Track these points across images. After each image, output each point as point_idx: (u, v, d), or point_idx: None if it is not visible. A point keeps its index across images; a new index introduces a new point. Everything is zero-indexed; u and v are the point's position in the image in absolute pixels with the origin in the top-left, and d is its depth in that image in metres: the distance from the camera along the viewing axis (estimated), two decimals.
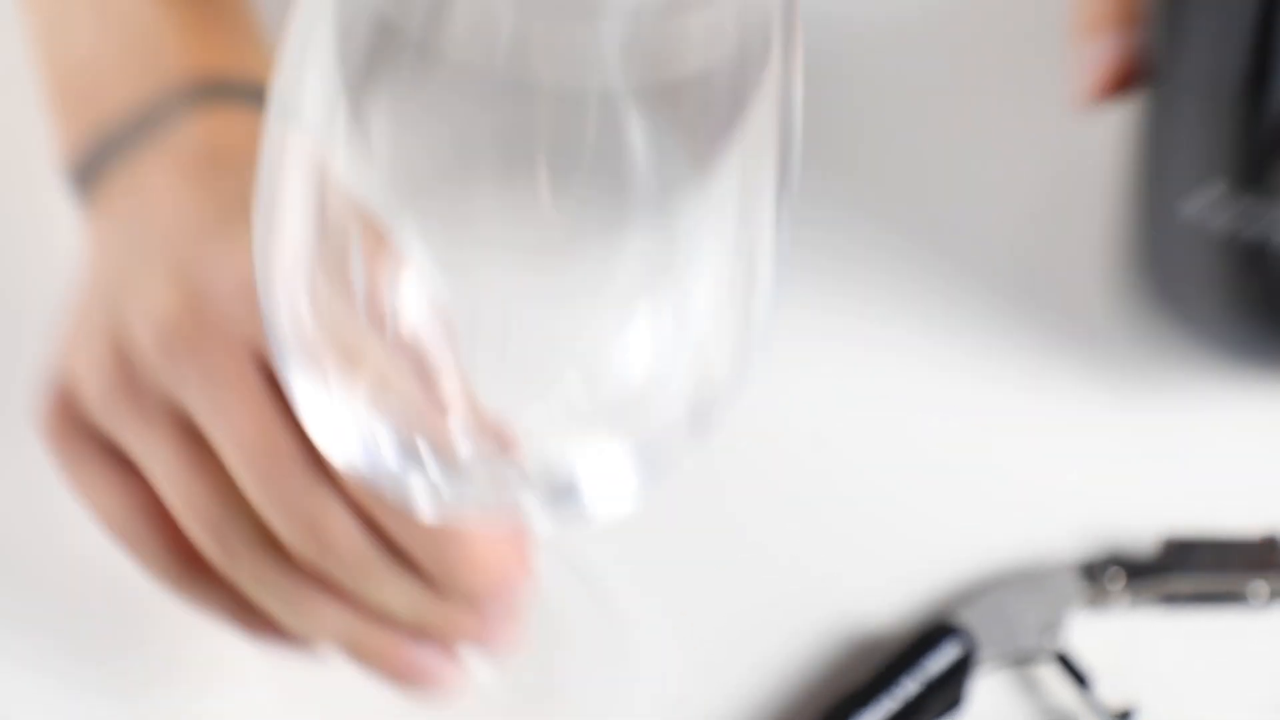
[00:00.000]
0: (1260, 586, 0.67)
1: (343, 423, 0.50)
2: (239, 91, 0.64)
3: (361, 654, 0.58)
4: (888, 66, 0.77)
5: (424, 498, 0.51)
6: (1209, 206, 0.65)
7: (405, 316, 0.47)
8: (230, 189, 0.59)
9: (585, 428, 0.49)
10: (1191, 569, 0.67)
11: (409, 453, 0.49)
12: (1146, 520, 0.68)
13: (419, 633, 0.58)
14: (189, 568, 0.60)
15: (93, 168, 0.64)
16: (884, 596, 0.67)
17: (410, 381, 0.48)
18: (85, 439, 0.60)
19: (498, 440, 0.49)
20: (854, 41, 0.77)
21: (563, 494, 0.50)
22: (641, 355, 0.47)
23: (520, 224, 0.45)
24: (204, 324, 0.58)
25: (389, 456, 0.50)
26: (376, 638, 0.58)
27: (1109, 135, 0.71)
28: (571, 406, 0.48)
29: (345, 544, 0.56)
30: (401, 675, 0.59)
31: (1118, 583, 0.67)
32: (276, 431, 0.56)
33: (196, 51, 0.64)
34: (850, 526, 0.68)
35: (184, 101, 0.63)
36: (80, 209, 0.65)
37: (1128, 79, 0.65)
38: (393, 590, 0.57)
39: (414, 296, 0.47)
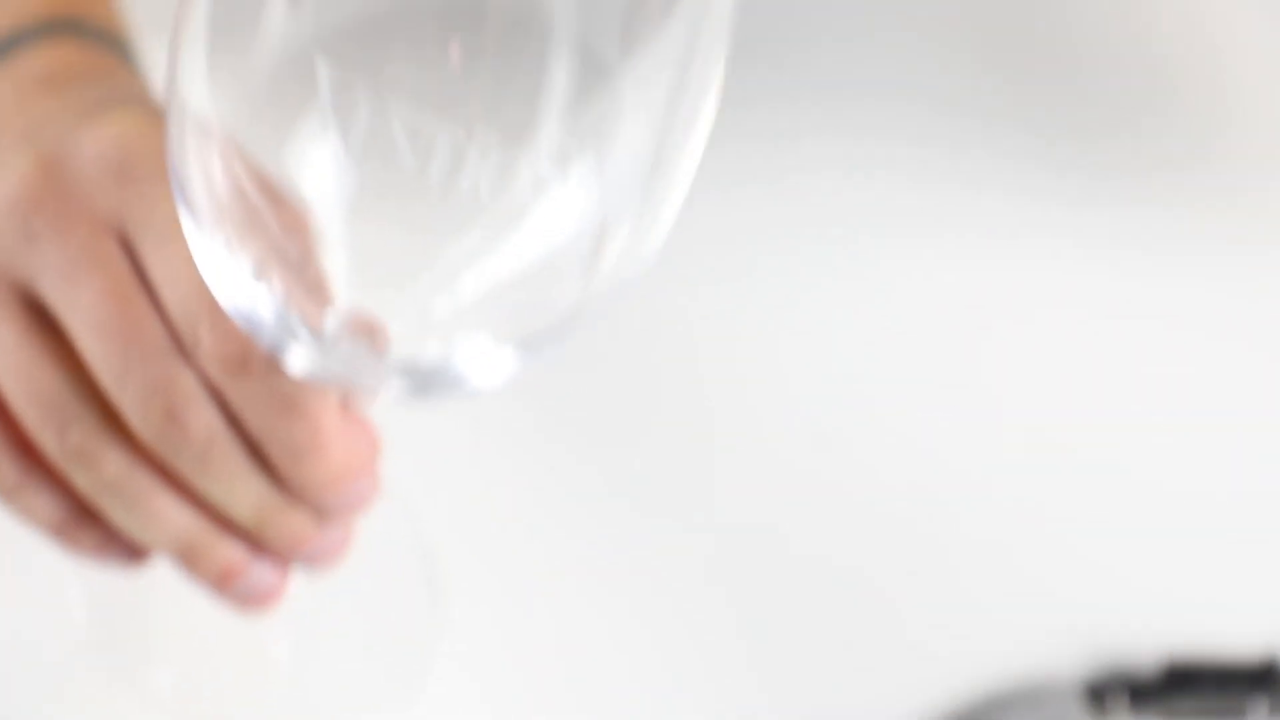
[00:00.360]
0: (1260, 707, 0.66)
1: (232, 281, 0.49)
2: (88, 31, 0.62)
3: (194, 561, 0.56)
4: None
5: (295, 360, 0.50)
6: None
7: (301, 188, 0.46)
8: (78, 93, 0.58)
9: (464, 320, 0.48)
10: (1193, 690, 0.67)
11: (283, 323, 0.49)
12: (1148, 634, 0.68)
13: (256, 541, 0.57)
14: (16, 466, 0.57)
15: None
16: (884, 715, 0.67)
17: (294, 255, 0.47)
18: None
19: (364, 328, 0.48)
20: None
21: (429, 381, 0.49)
22: (534, 246, 0.46)
23: (431, 86, 0.44)
24: (63, 197, 0.55)
25: (267, 320, 0.49)
26: (214, 545, 0.56)
27: None
28: (455, 295, 0.47)
29: (202, 428, 0.54)
30: (230, 588, 0.57)
31: (1120, 704, 0.67)
32: (138, 308, 0.54)
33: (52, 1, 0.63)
34: (847, 640, 0.68)
35: (33, 34, 0.61)
36: None
37: None
38: (241, 487, 0.55)
39: (313, 166, 0.46)
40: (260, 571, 0.57)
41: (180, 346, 0.54)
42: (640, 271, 0.48)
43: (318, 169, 0.46)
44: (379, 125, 0.45)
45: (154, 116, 0.57)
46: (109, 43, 0.63)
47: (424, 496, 0.66)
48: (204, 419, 0.54)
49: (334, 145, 0.45)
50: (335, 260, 0.48)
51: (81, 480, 0.56)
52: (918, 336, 0.75)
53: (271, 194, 0.47)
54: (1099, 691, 0.66)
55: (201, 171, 0.47)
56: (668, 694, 0.66)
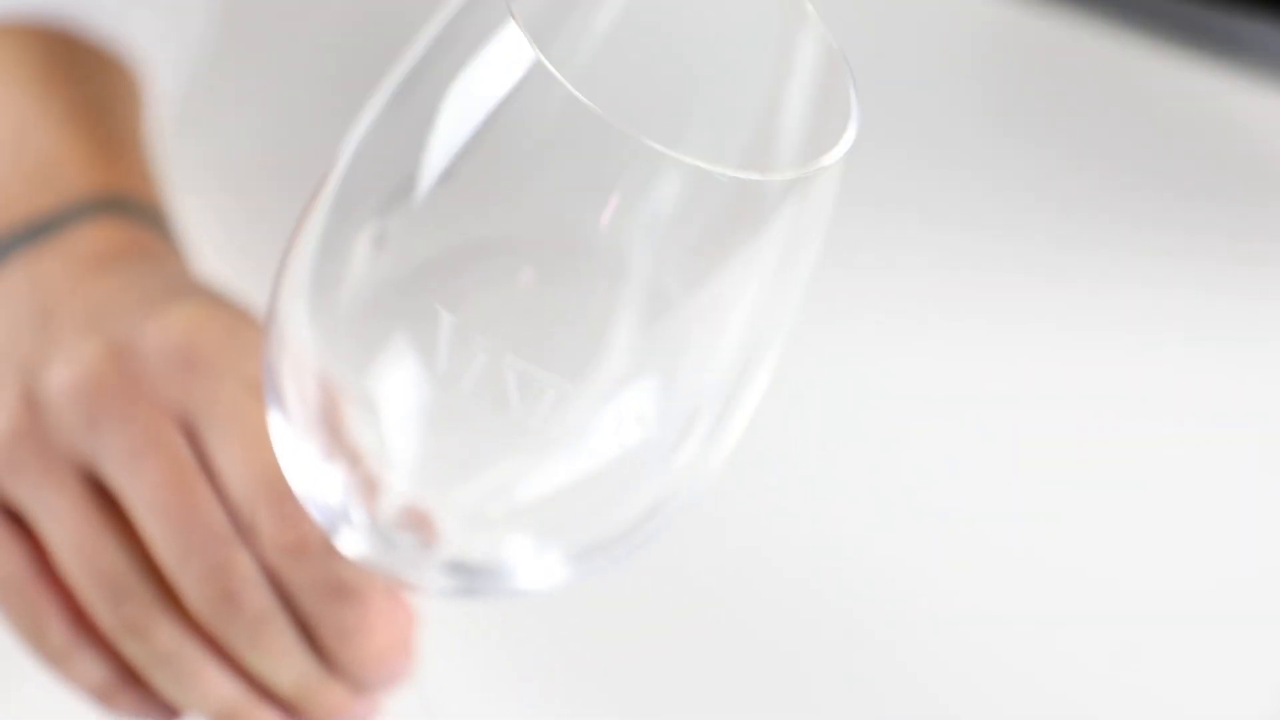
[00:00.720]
0: None
1: (301, 465, 0.51)
2: (134, 209, 0.65)
3: None
4: None
5: (348, 544, 0.53)
6: None
7: (378, 398, 0.49)
8: (138, 277, 0.61)
9: (517, 524, 0.50)
10: None
11: (342, 509, 0.51)
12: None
13: (292, 710, 0.59)
14: (66, 632, 0.59)
15: None
16: None
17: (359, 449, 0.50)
18: None
19: (417, 520, 0.51)
20: None
21: (476, 580, 0.52)
22: (592, 466, 0.49)
23: (502, 315, 0.47)
24: (129, 384, 0.58)
25: (328, 504, 0.52)
26: (252, 714, 0.59)
27: None
28: (510, 501, 0.50)
29: (256, 608, 0.57)
30: None
31: None
32: (199, 493, 0.57)
33: (96, 173, 0.66)
34: (831, 693, 0.71)
35: (82, 213, 0.64)
36: None
37: None
38: (285, 659, 0.58)
39: (393, 381, 0.49)
40: None
41: (239, 529, 0.57)
42: (699, 495, 0.51)
43: (397, 384, 0.49)
44: (456, 349, 0.47)
45: (213, 306, 0.60)
46: (152, 220, 0.66)
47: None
48: (259, 599, 0.57)
49: (413, 365, 0.48)
50: (400, 455, 0.50)
51: (132, 650, 0.59)
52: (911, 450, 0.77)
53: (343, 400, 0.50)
54: None
55: (295, 386, 0.50)
56: None
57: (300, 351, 0.50)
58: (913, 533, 0.74)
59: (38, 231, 0.64)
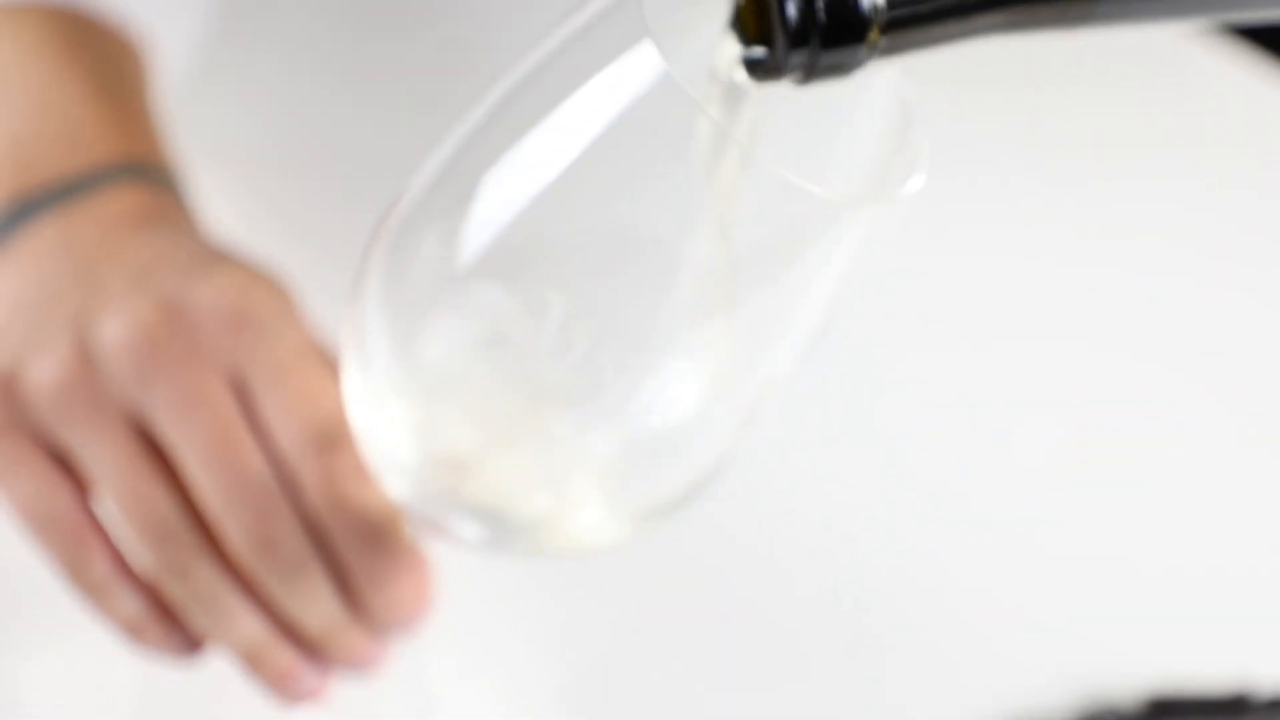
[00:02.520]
0: None
1: (362, 410, 0.56)
2: (153, 174, 0.68)
3: (257, 662, 0.63)
4: None
5: (392, 486, 0.57)
6: None
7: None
8: (180, 236, 0.64)
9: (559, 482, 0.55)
10: None
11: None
12: (1134, 679, 0.74)
13: (316, 650, 0.63)
14: (100, 563, 0.62)
15: (14, 220, 0.66)
16: None
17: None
18: (18, 432, 0.62)
19: (454, 466, 0.55)
20: None
21: (498, 536, 0.57)
22: (637, 432, 0.54)
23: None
24: (182, 339, 0.61)
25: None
26: (277, 651, 0.62)
27: None
28: (552, 460, 0.54)
29: (294, 554, 0.61)
30: (283, 688, 0.63)
31: None
32: (245, 446, 0.60)
33: (117, 140, 0.69)
34: (839, 684, 0.73)
35: (108, 176, 0.67)
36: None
37: None
38: (316, 604, 0.62)
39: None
40: (310, 677, 0.63)
41: (283, 482, 0.61)
42: (730, 462, 0.55)
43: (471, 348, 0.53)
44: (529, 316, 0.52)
45: (257, 271, 0.63)
46: (171, 186, 0.69)
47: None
48: (297, 546, 0.61)
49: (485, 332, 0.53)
50: (453, 407, 0.55)
51: (171, 588, 0.62)
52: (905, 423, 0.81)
53: None
54: None
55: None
56: None
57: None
58: (919, 528, 0.77)
59: (69, 191, 0.67)
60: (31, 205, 0.66)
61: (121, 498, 0.62)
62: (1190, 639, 0.76)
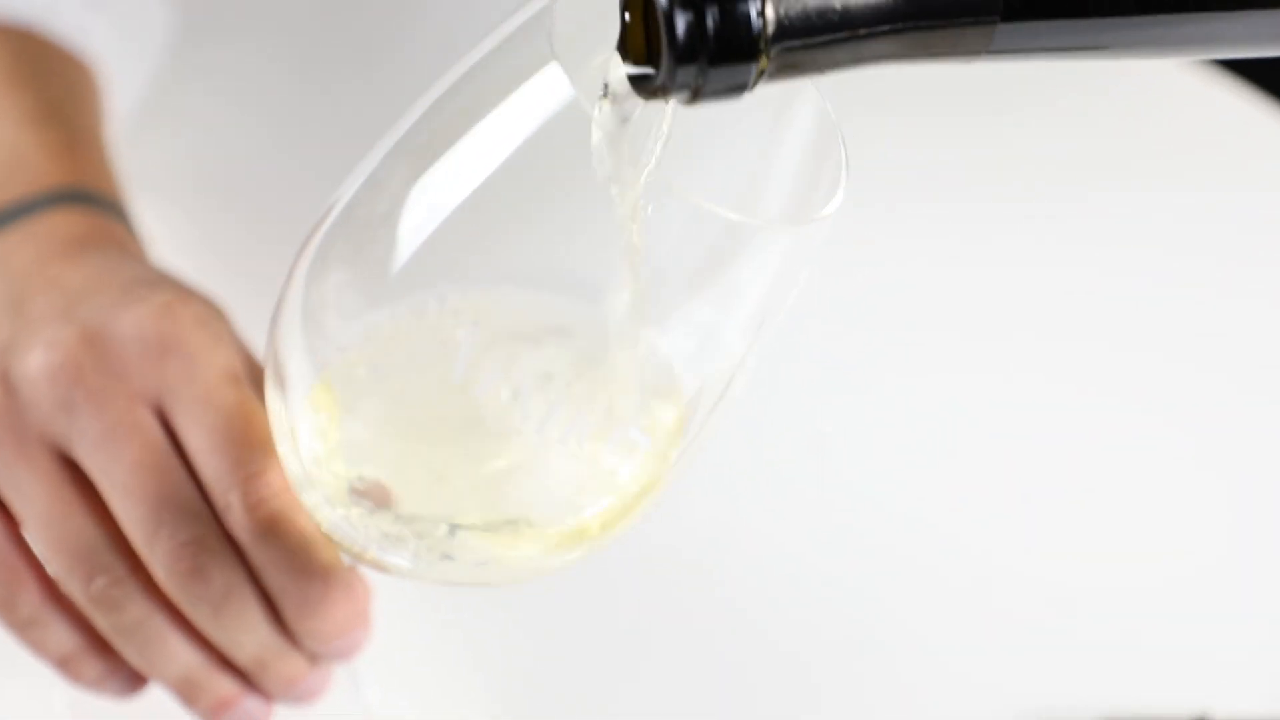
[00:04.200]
0: None
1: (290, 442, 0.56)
2: (95, 200, 0.68)
3: (192, 694, 0.62)
4: None
5: (321, 516, 0.57)
6: None
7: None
8: (109, 262, 0.64)
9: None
10: None
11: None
12: (1087, 702, 0.74)
13: (251, 679, 0.62)
14: (35, 601, 0.62)
15: None
16: None
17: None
18: None
19: (378, 492, 0.55)
20: None
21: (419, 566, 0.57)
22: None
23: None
24: (104, 367, 0.60)
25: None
26: (212, 681, 0.62)
27: None
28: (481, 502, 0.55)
29: (222, 583, 0.60)
30: (221, 718, 0.63)
31: None
32: (171, 474, 0.60)
33: (60, 165, 0.69)
34: (799, 713, 0.73)
35: (47, 202, 0.67)
36: None
37: None
38: (248, 632, 0.61)
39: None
40: (249, 705, 0.63)
41: (210, 507, 0.60)
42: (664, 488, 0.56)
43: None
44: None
45: (185, 296, 0.62)
46: (115, 212, 0.69)
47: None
48: (225, 574, 0.60)
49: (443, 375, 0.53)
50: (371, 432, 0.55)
51: (101, 622, 0.62)
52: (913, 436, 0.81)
53: None
54: None
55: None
56: None
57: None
58: (873, 553, 0.77)
59: (5, 218, 0.66)
60: None
61: (45, 528, 0.61)
62: (1147, 663, 0.76)
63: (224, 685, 0.62)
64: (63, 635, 0.63)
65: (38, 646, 0.63)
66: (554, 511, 0.55)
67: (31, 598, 0.62)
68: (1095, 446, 0.80)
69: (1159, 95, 0.90)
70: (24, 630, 0.63)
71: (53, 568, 0.61)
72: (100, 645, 0.63)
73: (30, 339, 0.62)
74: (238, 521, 0.60)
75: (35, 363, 0.61)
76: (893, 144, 0.86)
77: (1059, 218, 0.86)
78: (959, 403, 0.79)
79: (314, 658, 0.63)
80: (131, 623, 0.61)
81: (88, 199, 0.68)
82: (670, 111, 0.47)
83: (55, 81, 0.73)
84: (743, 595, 0.75)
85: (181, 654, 0.62)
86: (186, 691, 0.62)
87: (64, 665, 0.63)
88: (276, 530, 0.60)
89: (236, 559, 0.61)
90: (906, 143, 0.86)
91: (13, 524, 0.62)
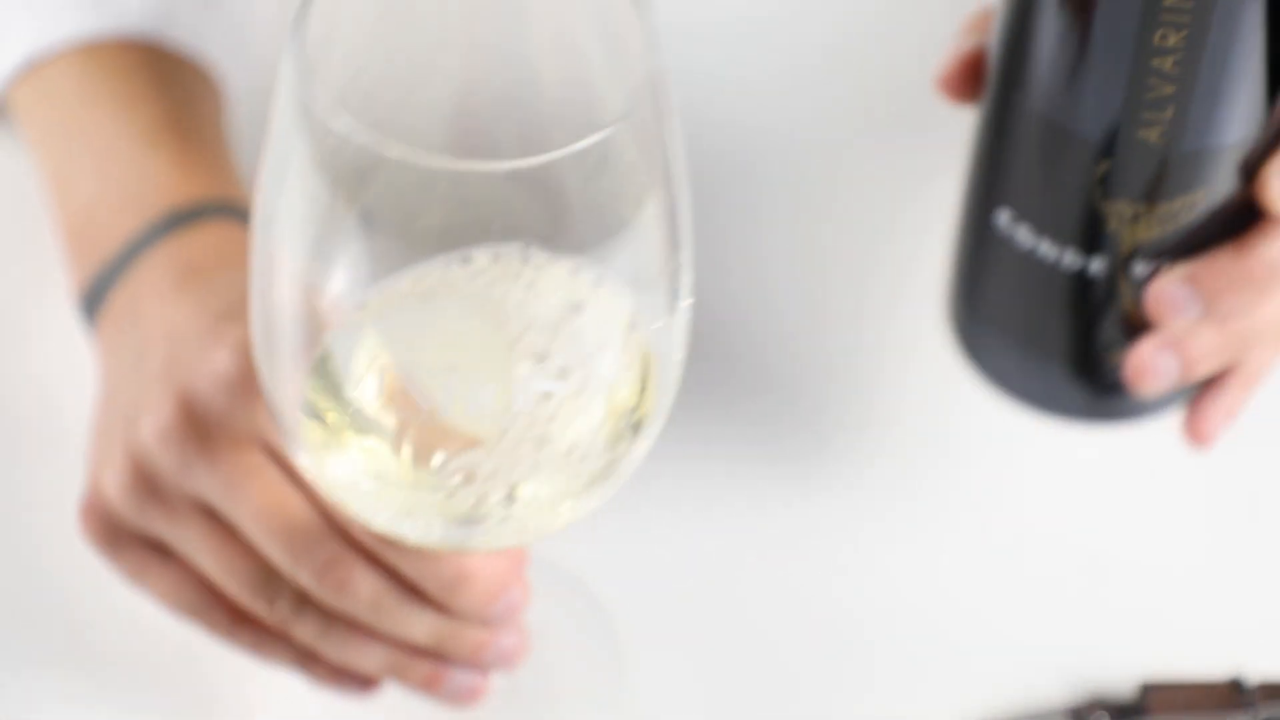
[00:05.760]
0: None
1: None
2: (215, 210, 0.71)
3: (406, 680, 0.66)
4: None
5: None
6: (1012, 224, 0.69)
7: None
8: (206, 296, 0.67)
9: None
10: (1168, 709, 0.73)
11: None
12: (1126, 667, 0.75)
13: (445, 656, 0.66)
14: (249, 628, 0.67)
15: (95, 298, 0.71)
16: None
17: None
18: (126, 539, 0.67)
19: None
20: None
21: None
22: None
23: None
24: (199, 425, 0.64)
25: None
26: (414, 666, 0.66)
27: None
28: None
29: (367, 590, 0.64)
30: (441, 693, 0.66)
31: None
32: (289, 504, 0.64)
33: (179, 185, 0.72)
34: (843, 676, 0.74)
35: (166, 227, 0.70)
36: (91, 338, 0.72)
37: (971, 80, 0.69)
38: (413, 624, 0.65)
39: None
40: (459, 676, 0.66)
41: (332, 523, 0.64)
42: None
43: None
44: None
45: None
46: (236, 215, 0.72)
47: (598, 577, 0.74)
48: (368, 583, 0.64)
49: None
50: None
51: (296, 634, 0.66)
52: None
53: None
54: (1083, 714, 0.72)
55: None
56: None
57: None
58: (910, 520, 0.78)
59: (131, 252, 0.71)
60: (101, 284, 0.71)
61: (218, 571, 0.66)
62: (1183, 628, 0.76)
63: (422, 666, 0.66)
64: (287, 649, 0.67)
65: (272, 662, 0.68)
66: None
67: (243, 631, 0.67)
68: None
69: None
70: (252, 654, 0.68)
71: (240, 600, 0.66)
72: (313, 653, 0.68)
73: (142, 406, 0.66)
74: (359, 530, 0.64)
75: (146, 432, 0.65)
76: None
77: None
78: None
79: (487, 625, 0.66)
80: (317, 634, 0.66)
81: (206, 212, 0.71)
82: None
83: (176, 89, 0.76)
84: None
85: (373, 651, 0.66)
86: (398, 675, 0.67)
87: (306, 672, 0.68)
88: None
89: (373, 564, 0.64)
90: None
91: (195, 570, 0.67)
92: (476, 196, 0.53)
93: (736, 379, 0.80)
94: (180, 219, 0.71)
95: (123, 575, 0.68)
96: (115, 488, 0.66)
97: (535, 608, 0.68)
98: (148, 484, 0.65)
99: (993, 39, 0.68)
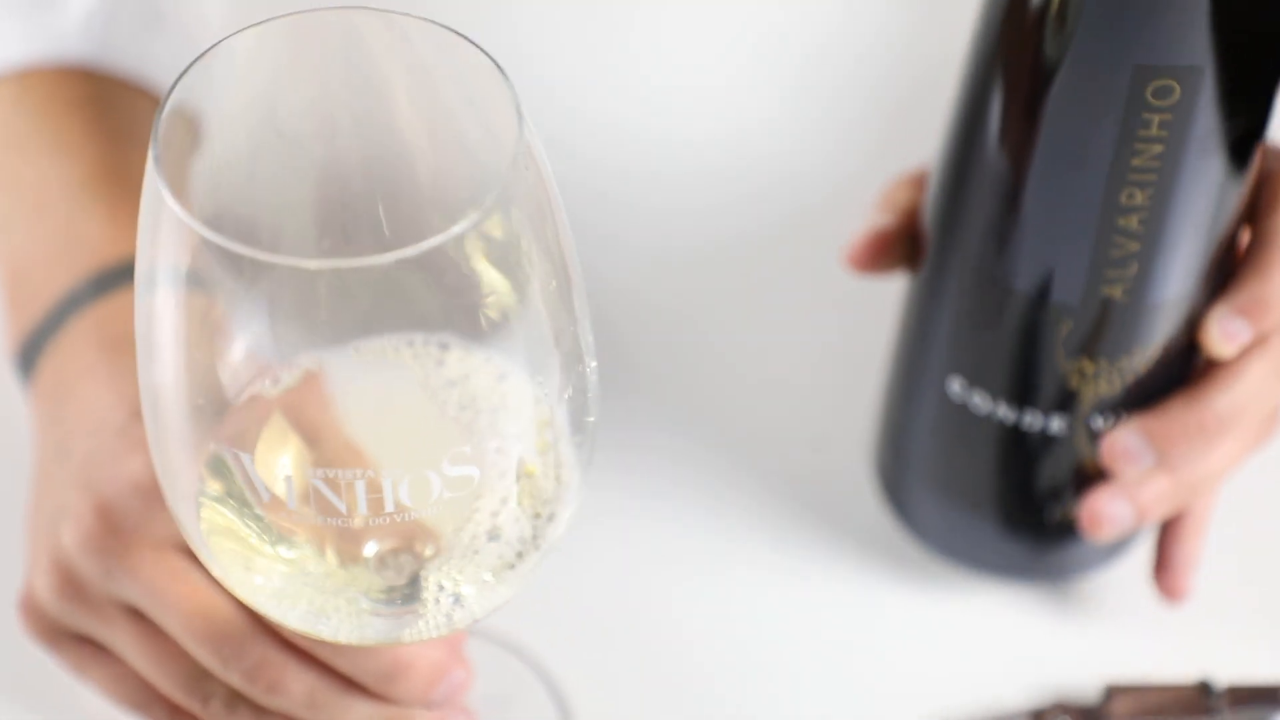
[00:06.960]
0: None
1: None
2: None
3: None
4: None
5: None
6: (951, 391, 0.70)
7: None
8: (125, 385, 0.66)
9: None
10: (1133, 713, 0.72)
11: None
12: (1090, 668, 0.74)
13: None
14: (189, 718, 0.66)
15: (28, 359, 0.70)
16: None
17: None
18: (64, 635, 0.67)
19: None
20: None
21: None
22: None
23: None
24: (117, 532, 0.64)
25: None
26: None
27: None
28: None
29: (301, 689, 0.63)
30: None
31: None
32: (214, 607, 0.63)
33: (111, 241, 0.70)
34: (811, 679, 0.73)
35: (95, 290, 0.69)
36: (28, 398, 0.71)
37: (881, 256, 0.70)
38: (353, 715, 0.63)
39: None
40: None
41: (256, 620, 0.63)
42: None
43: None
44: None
45: None
46: None
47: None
48: (300, 682, 0.63)
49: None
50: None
51: None
52: None
53: None
54: (1047, 716, 0.72)
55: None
56: None
57: None
58: (869, 513, 0.78)
59: (57, 318, 0.69)
60: (32, 345, 0.70)
61: (150, 674, 0.65)
62: (1149, 628, 0.75)
63: None
64: None
65: None
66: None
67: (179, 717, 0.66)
68: None
69: None
70: None
71: (176, 699, 0.65)
72: None
73: (63, 511, 0.65)
74: (290, 631, 0.62)
75: (68, 540, 0.64)
76: None
77: None
78: None
79: (431, 711, 0.64)
80: None
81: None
82: None
83: (112, 128, 0.74)
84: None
85: None
86: None
87: None
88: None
89: (305, 661, 0.63)
90: None
91: (131, 669, 0.66)
92: (360, 288, 0.51)
93: (670, 432, 0.80)
94: (110, 280, 0.69)
95: (64, 668, 0.67)
96: (45, 590, 0.66)
97: (478, 682, 0.66)
98: (74, 588, 0.65)
99: (932, 212, 0.68)
